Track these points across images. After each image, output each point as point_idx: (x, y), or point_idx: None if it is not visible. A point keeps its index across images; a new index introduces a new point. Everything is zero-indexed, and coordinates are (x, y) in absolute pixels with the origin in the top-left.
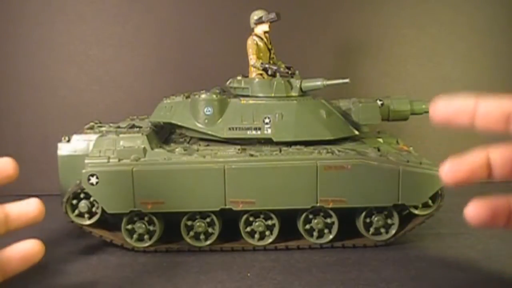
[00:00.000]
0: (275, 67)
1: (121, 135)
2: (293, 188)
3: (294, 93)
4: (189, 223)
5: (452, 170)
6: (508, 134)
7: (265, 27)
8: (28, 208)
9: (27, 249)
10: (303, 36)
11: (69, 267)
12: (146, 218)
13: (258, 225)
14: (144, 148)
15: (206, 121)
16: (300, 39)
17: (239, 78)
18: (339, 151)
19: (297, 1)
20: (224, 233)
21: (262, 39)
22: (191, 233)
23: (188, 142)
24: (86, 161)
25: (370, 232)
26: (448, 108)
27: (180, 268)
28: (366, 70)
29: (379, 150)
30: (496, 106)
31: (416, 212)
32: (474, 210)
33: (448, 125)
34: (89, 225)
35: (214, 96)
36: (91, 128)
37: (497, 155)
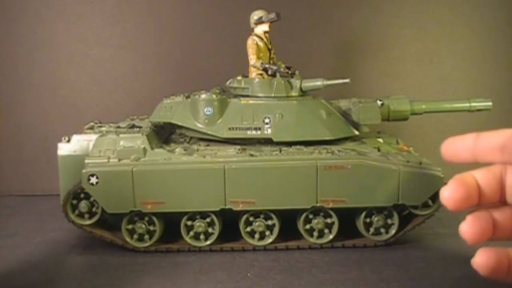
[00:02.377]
0: (275, 67)
1: (121, 135)
2: (293, 188)
3: (294, 93)
4: (189, 223)
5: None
6: (505, 162)
7: (265, 27)
8: None
9: None
10: (303, 36)
11: (69, 267)
12: (146, 218)
13: (258, 225)
14: (144, 148)
15: (206, 121)
16: (300, 39)
17: (239, 78)
18: (339, 151)
19: (297, 1)
20: (224, 233)
21: (262, 39)
22: (191, 233)
23: (188, 142)
24: (86, 161)
25: (370, 232)
26: (454, 146)
27: (180, 268)
28: (366, 70)
29: (379, 150)
30: (493, 138)
31: (416, 212)
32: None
33: (456, 161)
34: (89, 225)
35: (214, 96)
36: (91, 128)
37: (480, 141)
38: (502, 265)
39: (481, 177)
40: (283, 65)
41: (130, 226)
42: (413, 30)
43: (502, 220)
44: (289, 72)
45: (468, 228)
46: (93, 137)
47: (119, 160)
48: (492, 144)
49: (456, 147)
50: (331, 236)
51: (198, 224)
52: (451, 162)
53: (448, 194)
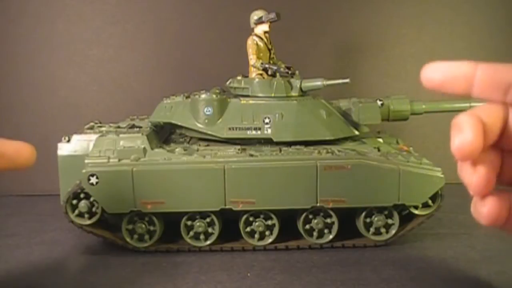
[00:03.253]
0: (275, 67)
1: (121, 135)
2: (293, 188)
3: (294, 93)
4: (189, 223)
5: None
6: (504, 103)
7: (265, 27)
8: (21, 150)
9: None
10: (303, 36)
11: (69, 267)
12: (146, 218)
13: (258, 225)
14: (144, 148)
15: (206, 121)
16: (300, 39)
17: (239, 78)
18: (339, 151)
19: (297, 1)
20: (224, 233)
21: (262, 39)
22: (191, 233)
23: (188, 142)
24: (86, 161)
25: (370, 232)
26: (445, 70)
27: (180, 268)
28: (366, 70)
29: (379, 150)
30: (497, 74)
31: (416, 212)
32: (430, 72)
33: (440, 89)
34: (89, 225)
35: (214, 96)
36: (91, 128)
37: (483, 73)
38: (503, 213)
39: (487, 119)
40: (283, 65)
41: (130, 226)
42: (413, 30)
43: None
44: (289, 72)
45: (488, 210)
46: (93, 137)
47: (119, 160)
48: (497, 80)
49: (448, 72)
50: (331, 236)
51: (198, 224)
52: (434, 89)
53: (460, 143)
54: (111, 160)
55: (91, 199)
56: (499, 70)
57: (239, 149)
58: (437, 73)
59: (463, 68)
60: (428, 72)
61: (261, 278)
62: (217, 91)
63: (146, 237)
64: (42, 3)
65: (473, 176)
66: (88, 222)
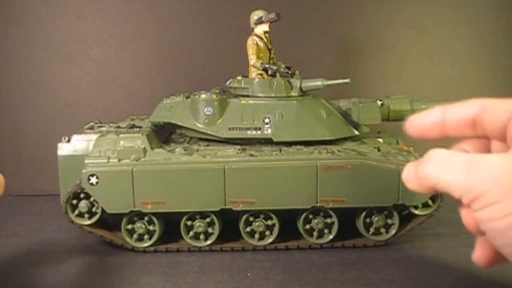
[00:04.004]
0: (275, 67)
1: (121, 135)
2: (293, 188)
3: (294, 93)
4: (189, 223)
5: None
6: (478, 137)
7: (265, 27)
8: None
9: None
10: (303, 36)
11: (69, 267)
12: (146, 218)
13: (258, 225)
14: (144, 148)
15: (206, 121)
16: (300, 39)
17: (239, 78)
18: (339, 151)
19: (297, 1)
20: (224, 233)
21: (262, 39)
22: (191, 233)
23: (188, 142)
24: (86, 161)
25: (370, 232)
26: (421, 123)
27: (180, 268)
28: (366, 70)
29: (379, 150)
30: (460, 112)
31: (416, 212)
32: (479, 255)
33: (424, 138)
34: (89, 225)
35: (214, 96)
36: (91, 128)
37: (449, 116)
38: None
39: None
40: (283, 65)
41: (130, 226)
42: (413, 30)
43: None
44: (289, 72)
45: (479, 255)
46: (93, 137)
47: (119, 160)
48: (461, 118)
49: (423, 123)
50: (331, 236)
51: (198, 224)
52: (419, 139)
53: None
54: (111, 160)
55: (91, 199)
56: (460, 109)
57: (239, 149)
58: (413, 126)
59: (433, 117)
60: (407, 127)
61: (261, 278)
62: (217, 91)
63: (146, 237)
64: (42, 3)
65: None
66: (88, 222)
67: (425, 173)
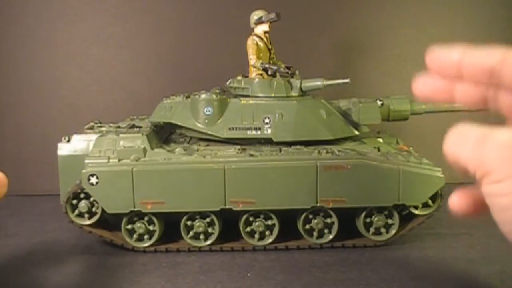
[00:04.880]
0: (275, 67)
1: (121, 135)
2: (293, 188)
3: (294, 93)
4: (189, 223)
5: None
6: (492, 85)
7: (265, 27)
8: None
9: None
10: (303, 36)
11: (69, 267)
12: (146, 218)
13: (258, 225)
14: (144, 148)
15: (206, 121)
16: (300, 39)
17: (239, 78)
18: (339, 151)
19: (297, 1)
20: (224, 233)
21: (262, 39)
22: (191, 233)
23: (188, 142)
24: (86, 161)
25: (370, 232)
26: (439, 57)
27: (180, 268)
28: (366, 70)
29: (379, 150)
30: (481, 58)
31: (416, 212)
32: (457, 200)
33: (441, 73)
34: (89, 225)
35: (214, 96)
36: (91, 128)
37: (470, 59)
38: (478, 204)
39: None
40: (283, 65)
41: (130, 226)
42: (413, 30)
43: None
44: (289, 72)
45: (457, 200)
46: (93, 137)
47: (119, 160)
48: (480, 64)
49: (441, 59)
50: (331, 236)
51: (198, 224)
52: (434, 72)
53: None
54: (111, 160)
55: (91, 199)
56: (481, 55)
57: (239, 149)
58: (432, 58)
59: (452, 55)
60: (428, 58)
61: (261, 278)
62: (217, 91)
63: (146, 237)
64: (42, 3)
65: (453, 197)
66: (88, 222)
67: (446, 151)
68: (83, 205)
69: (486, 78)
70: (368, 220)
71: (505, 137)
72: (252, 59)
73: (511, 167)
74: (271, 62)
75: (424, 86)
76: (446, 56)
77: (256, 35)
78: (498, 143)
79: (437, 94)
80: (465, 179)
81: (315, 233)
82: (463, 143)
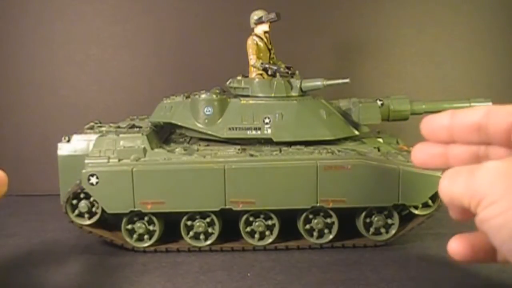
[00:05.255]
0: (275, 67)
1: (121, 135)
2: (293, 188)
3: (294, 93)
4: (189, 223)
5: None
6: (481, 143)
7: (265, 27)
8: None
9: None
10: (303, 36)
11: (69, 267)
12: (146, 218)
13: (258, 225)
14: (144, 148)
15: (206, 121)
16: (300, 39)
17: (239, 78)
18: (339, 151)
19: (297, 1)
20: (224, 233)
21: (262, 39)
22: (191, 233)
23: (188, 142)
24: (86, 161)
25: (370, 232)
26: (431, 125)
27: (180, 268)
28: (366, 70)
29: (379, 150)
30: (467, 117)
31: (416, 212)
32: (456, 246)
33: (435, 139)
34: (89, 225)
35: (214, 96)
36: (91, 128)
37: (459, 120)
38: (476, 250)
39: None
40: (283, 65)
41: (130, 226)
42: (413, 30)
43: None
44: (289, 72)
45: (455, 247)
46: (93, 137)
47: (119, 160)
48: (467, 122)
49: (433, 125)
50: (331, 236)
51: (198, 224)
52: (430, 140)
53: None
54: (111, 160)
55: (91, 199)
56: (467, 113)
57: (239, 149)
58: (425, 127)
59: (442, 120)
60: (422, 128)
61: (261, 278)
62: (217, 91)
63: (146, 237)
64: (42, 3)
65: (452, 242)
66: (88, 222)
67: (440, 190)
68: (83, 205)
69: (476, 135)
70: (368, 220)
71: (493, 165)
72: (252, 59)
73: (502, 188)
74: (271, 62)
75: (421, 153)
76: (437, 122)
77: (256, 35)
78: (487, 170)
79: (434, 160)
80: (462, 220)
81: (315, 233)
82: (456, 180)
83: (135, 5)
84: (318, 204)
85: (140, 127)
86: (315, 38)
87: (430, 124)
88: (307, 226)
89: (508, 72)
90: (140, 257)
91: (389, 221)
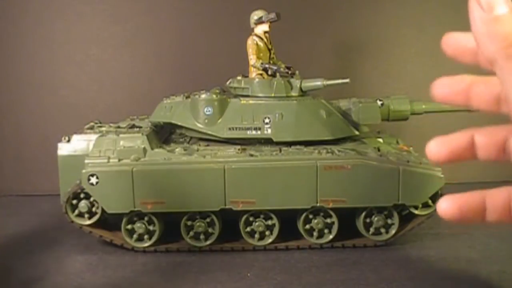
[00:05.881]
0: (275, 67)
1: (121, 135)
2: (293, 188)
3: (294, 93)
4: (189, 223)
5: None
6: (500, 114)
7: (265, 27)
8: None
9: None
10: (303, 36)
11: (69, 267)
12: (146, 218)
13: (258, 225)
14: (144, 148)
15: (206, 121)
16: (300, 39)
17: (239, 78)
18: (339, 151)
19: (297, 1)
20: (224, 233)
21: (262, 39)
22: (191, 233)
23: (188, 142)
24: (86, 161)
25: (370, 232)
26: (448, 86)
27: (180, 268)
28: (366, 70)
29: (379, 150)
30: (486, 88)
31: (416, 212)
32: (445, 205)
33: (447, 102)
34: (89, 225)
35: (214, 96)
36: (91, 128)
37: (482, 136)
38: (471, 211)
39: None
40: (283, 65)
41: (130, 226)
42: (413, 30)
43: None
44: (289, 72)
45: (444, 206)
46: (93, 137)
47: (119, 160)
48: (487, 92)
49: (458, 41)
50: (331, 236)
51: (198, 224)
52: (451, 56)
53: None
54: (111, 160)
55: (91, 199)
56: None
57: (239, 149)
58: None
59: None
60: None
61: (261, 278)
62: (217, 91)
63: (146, 237)
64: (42, 3)
65: (441, 202)
66: (88, 222)
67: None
68: (83, 205)
69: (495, 106)
70: (368, 220)
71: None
72: (252, 59)
73: None
74: (271, 62)
75: (443, 87)
76: (463, 40)
77: (256, 35)
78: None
79: (455, 96)
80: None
81: (315, 233)
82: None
83: (135, 5)
84: (318, 204)
85: (140, 127)
86: (315, 38)
87: (455, 39)
88: (307, 226)
89: None
90: (140, 257)
91: (389, 221)
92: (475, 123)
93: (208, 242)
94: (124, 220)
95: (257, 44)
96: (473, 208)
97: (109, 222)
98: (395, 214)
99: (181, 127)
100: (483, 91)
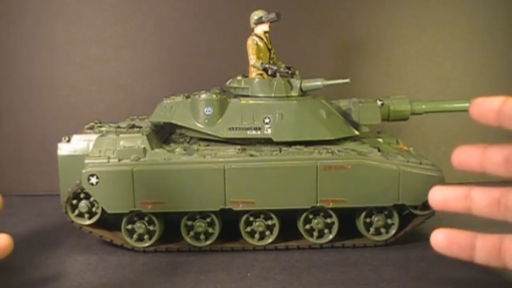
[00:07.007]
0: (275, 67)
1: (121, 135)
2: (293, 188)
3: (294, 93)
4: (189, 223)
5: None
6: (509, 175)
7: (265, 27)
8: None
9: None
10: (303, 36)
11: (69, 267)
12: (146, 218)
13: (258, 225)
14: (144, 148)
15: (206, 121)
16: (300, 39)
17: (239, 78)
18: (339, 151)
19: (297, 1)
20: (224, 233)
21: (262, 39)
22: (191, 233)
23: (188, 142)
24: (86, 161)
25: (370, 232)
26: (463, 155)
27: (180, 268)
28: (366, 70)
29: (379, 150)
30: (497, 152)
31: (416, 212)
32: (438, 238)
33: (466, 168)
34: (89, 225)
35: (214, 96)
36: (91, 128)
37: (478, 194)
38: (461, 248)
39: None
40: (283, 65)
41: (130, 226)
42: (413, 30)
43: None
44: (289, 72)
45: (436, 239)
46: (93, 137)
47: (119, 160)
48: (498, 156)
49: (465, 156)
50: (331, 236)
51: (198, 224)
52: (461, 170)
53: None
54: (111, 160)
55: (91, 199)
56: (498, 147)
57: (239, 149)
58: (457, 158)
59: (475, 152)
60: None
61: (261, 278)
62: (217, 91)
63: (146, 237)
64: (42, 3)
65: (434, 234)
66: (88, 222)
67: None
68: (83, 205)
69: (504, 169)
70: (368, 220)
71: None
72: (252, 59)
73: None
74: (271, 62)
75: (462, 154)
76: (470, 153)
77: (256, 35)
78: None
79: (471, 162)
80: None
81: (315, 233)
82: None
83: (135, 5)
84: (318, 204)
85: (140, 127)
86: (315, 38)
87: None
88: (307, 226)
89: (508, 72)
90: (140, 257)
91: (389, 221)
92: (475, 123)
93: (208, 242)
94: (124, 220)
95: (257, 44)
96: (462, 246)
97: (109, 222)
98: (395, 214)
99: (181, 127)
100: (493, 156)
